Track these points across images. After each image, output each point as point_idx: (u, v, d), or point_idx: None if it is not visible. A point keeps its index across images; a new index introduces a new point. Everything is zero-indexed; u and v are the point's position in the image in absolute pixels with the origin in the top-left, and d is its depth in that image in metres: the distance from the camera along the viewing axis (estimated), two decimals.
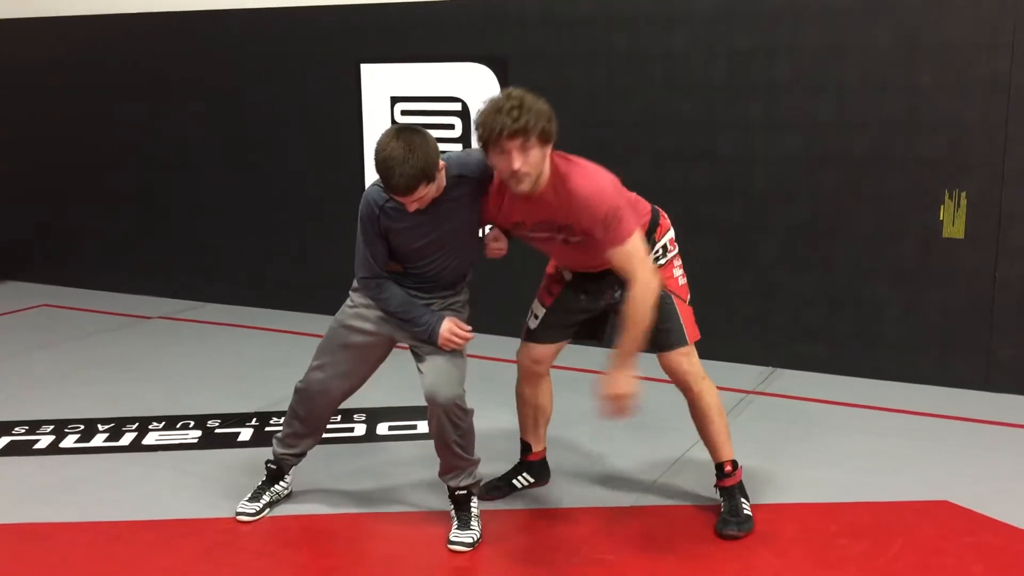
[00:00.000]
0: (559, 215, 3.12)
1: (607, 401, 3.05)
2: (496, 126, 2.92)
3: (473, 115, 3.08)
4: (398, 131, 2.98)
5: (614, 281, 3.31)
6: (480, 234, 3.35)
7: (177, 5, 6.46)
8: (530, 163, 2.96)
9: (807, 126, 4.91)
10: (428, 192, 3.01)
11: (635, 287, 3.04)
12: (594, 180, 3.05)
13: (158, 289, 6.93)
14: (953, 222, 4.70)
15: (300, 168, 6.30)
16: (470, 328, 3.26)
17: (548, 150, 3.03)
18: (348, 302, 3.36)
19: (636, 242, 3.06)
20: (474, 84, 5.59)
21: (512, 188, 3.06)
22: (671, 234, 3.37)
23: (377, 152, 2.96)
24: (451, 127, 5.70)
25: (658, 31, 5.15)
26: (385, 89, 5.92)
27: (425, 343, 3.24)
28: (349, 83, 6.01)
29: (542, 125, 2.94)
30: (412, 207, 3.03)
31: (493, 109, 2.96)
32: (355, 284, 3.33)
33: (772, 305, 5.14)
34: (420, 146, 2.94)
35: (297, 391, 3.43)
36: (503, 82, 5.42)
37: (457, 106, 5.68)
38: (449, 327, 3.20)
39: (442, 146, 3.13)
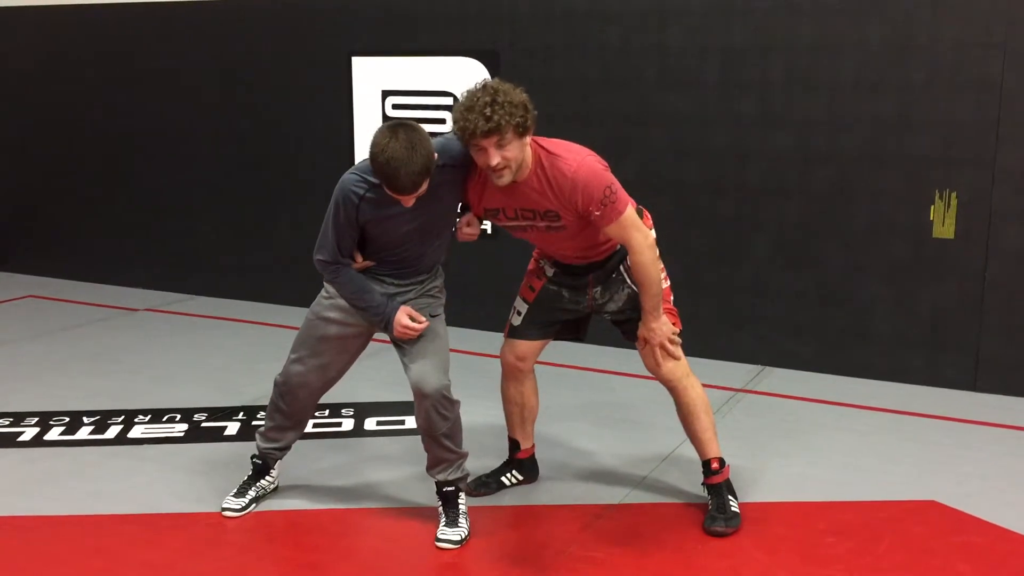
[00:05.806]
0: (543, 202, 3.11)
1: (656, 347, 3.27)
2: (469, 126, 2.92)
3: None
4: (393, 129, 2.93)
5: (593, 278, 3.32)
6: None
7: None
8: (508, 157, 2.97)
9: (799, 123, 4.91)
10: (426, 186, 3.00)
11: (634, 255, 3.14)
12: (584, 163, 3.06)
13: (145, 281, 6.89)
14: (943, 222, 4.70)
15: (290, 161, 6.27)
16: (424, 319, 3.21)
17: (527, 140, 3.03)
18: (323, 292, 3.33)
19: (630, 213, 3.13)
20: (465, 78, 5.56)
21: (493, 181, 3.05)
22: (653, 235, 3.30)
23: (378, 153, 2.89)
24: (442, 121, 5.67)
25: (652, 26, 5.14)
26: (376, 83, 5.89)
27: (382, 332, 3.23)
28: (340, 76, 5.98)
29: (516, 120, 2.93)
30: (410, 203, 3.01)
31: (466, 107, 2.94)
32: None
33: (762, 302, 5.14)
34: (420, 143, 2.90)
35: (276, 385, 3.41)
36: (495, 76, 5.38)
37: (448, 100, 5.65)
38: (402, 319, 3.17)
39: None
